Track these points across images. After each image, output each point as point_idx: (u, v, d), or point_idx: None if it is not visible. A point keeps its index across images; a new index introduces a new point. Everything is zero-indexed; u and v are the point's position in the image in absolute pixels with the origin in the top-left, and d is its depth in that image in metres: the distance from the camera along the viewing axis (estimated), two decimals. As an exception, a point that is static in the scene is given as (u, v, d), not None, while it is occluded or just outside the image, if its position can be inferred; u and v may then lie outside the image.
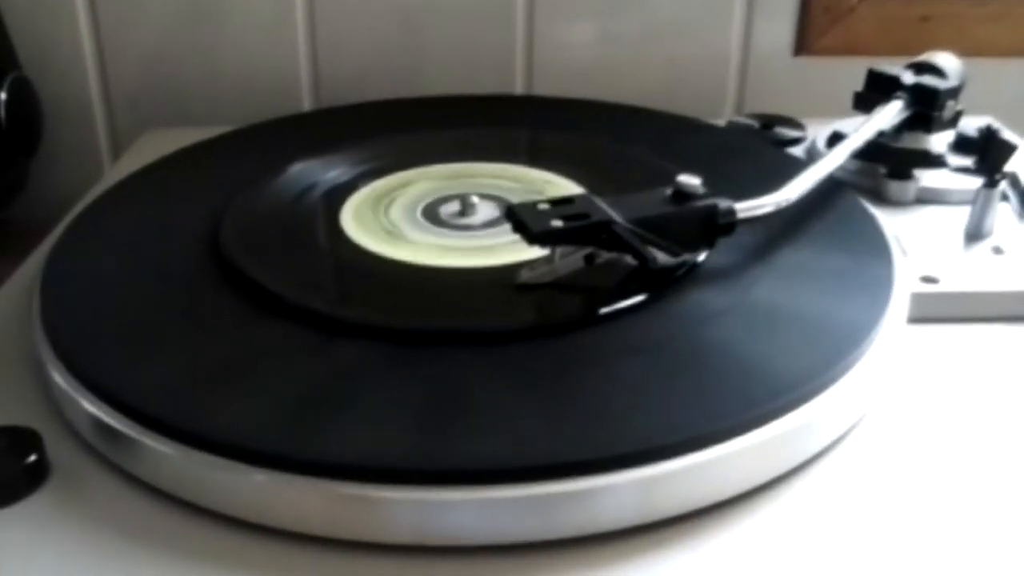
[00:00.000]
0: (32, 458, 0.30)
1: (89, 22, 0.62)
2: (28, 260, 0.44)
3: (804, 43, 0.64)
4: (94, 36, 0.62)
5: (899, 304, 0.36)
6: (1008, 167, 0.43)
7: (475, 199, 0.43)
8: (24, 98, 0.58)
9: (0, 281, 0.42)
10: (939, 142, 0.47)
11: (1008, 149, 0.43)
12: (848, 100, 0.49)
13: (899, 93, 0.47)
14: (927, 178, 0.47)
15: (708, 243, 0.37)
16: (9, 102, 0.56)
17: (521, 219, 0.35)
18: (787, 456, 0.30)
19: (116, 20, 0.62)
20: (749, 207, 0.37)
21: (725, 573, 0.27)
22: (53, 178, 0.63)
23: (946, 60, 0.49)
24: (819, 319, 0.35)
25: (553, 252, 0.36)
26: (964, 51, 0.50)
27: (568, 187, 0.45)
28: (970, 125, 0.46)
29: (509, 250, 0.39)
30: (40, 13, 0.61)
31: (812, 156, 0.50)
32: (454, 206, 0.43)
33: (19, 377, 0.35)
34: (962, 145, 0.45)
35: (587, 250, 0.36)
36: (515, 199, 0.43)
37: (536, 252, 0.36)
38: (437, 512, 0.27)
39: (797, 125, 0.54)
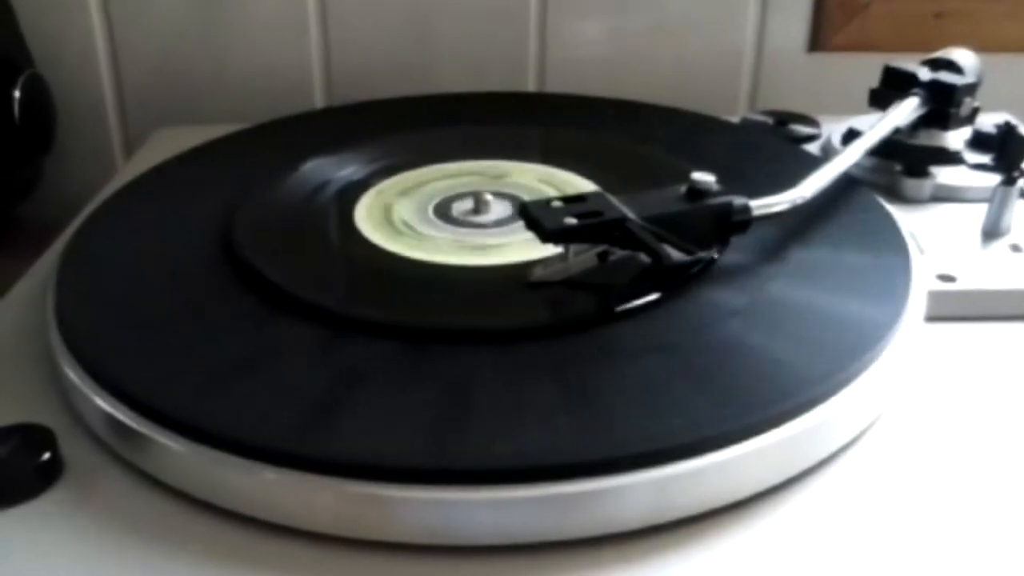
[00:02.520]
0: (46, 456, 0.30)
1: (102, 21, 0.62)
2: (42, 258, 0.44)
3: (818, 39, 0.64)
4: (107, 34, 0.62)
5: (916, 302, 0.36)
6: (1026, 164, 0.42)
7: (488, 197, 0.43)
8: (38, 96, 0.58)
9: (14, 279, 0.42)
10: (956, 139, 0.47)
11: (1026, 146, 0.42)
12: (863, 97, 0.49)
13: (915, 90, 0.47)
14: (944, 175, 0.46)
15: (722, 241, 0.37)
16: (23, 100, 0.56)
17: (534, 217, 0.35)
18: (804, 455, 0.30)
19: (128, 18, 0.62)
20: (764, 205, 0.37)
21: (740, 574, 0.27)
22: (66, 176, 0.63)
23: (963, 56, 0.49)
24: (835, 318, 0.35)
25: (567, 250, 0.36)
26: (979, 47, 0.50)
27: (581, 184, 0.45)
28: (987, 122, 0.45)
29: (522, 248, 0.39)
30: (53, 12, 0.61)
31: (827, 153, 0.50)
32: (467, 204, 0.43)
33: (33, 375, 0.35)
34: (979, 142, 0.45)
35: (601, 248, 0.36)
36: (528, 197, 0.42)
37: (550, 250, 0.36)
38: (450, 512, 0.27)
39: (812, 122, 0.54)
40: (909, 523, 0.29)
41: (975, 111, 0.47)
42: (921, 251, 0.40)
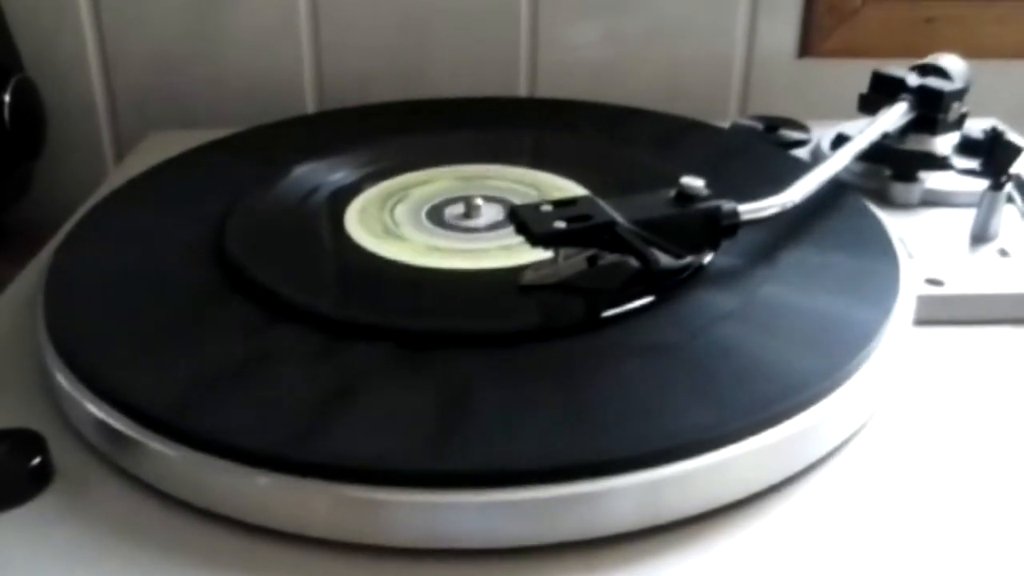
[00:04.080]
0: (36, 461, 0.30)
1: (93, 24, 0.62)
2: (32, 262, 0.44)
3: (808, 45, 0.64)
4: (98, 38, 0.62)
5: (905, 306, 0.36)
6: (1014, 169, 0.43)
7: (479, 201, 0.43)
8: (28, 100, 0.58)
9: (4, 283, 0.42)
10: (944, 144, 0.47)
11: (1014, 151, 0.43)
12: (853, 102, 0.49)
13: (904, 95, 0.47)
14: (932, 180, 0.47)
15: (711, 245, 0.37)
16: (13, 104, 0.56)
17: (524, 221, 0.35)
18: (793, 459, 0.30)
19: (120, 22, 0.62)
20: (753, 209, 0.37)
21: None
22: (57, 180, 0.63)
23: (951, 62, 0.49)
24: (824, 322, 0.35)
25: (556, 254, 0.36)
26: (969, 53, 0.50)
27: (572, 189, 0.45)
28: (975, 127, 0.46)
29: (513, 252, 0.39)
30: (44, 15, 0.61)
31: (816, 158, 0.50)
32: (458, 208, 0.43)
33: (23, 380, 0.35)
34: (967, 147, 0.45)
35: (590, 252, 0.36)
36: (519, 201, 0.43)
37: (540, 254, 0.36)
38: (442, 515, 0.27)
39: (801, 127, 0.54)
40: (899, 525, 0.29)
41: (963, 116, 0.47)
42: (910, 255, 0.41)
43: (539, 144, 0.53)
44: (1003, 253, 0.41)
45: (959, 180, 0.46)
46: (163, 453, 0.29)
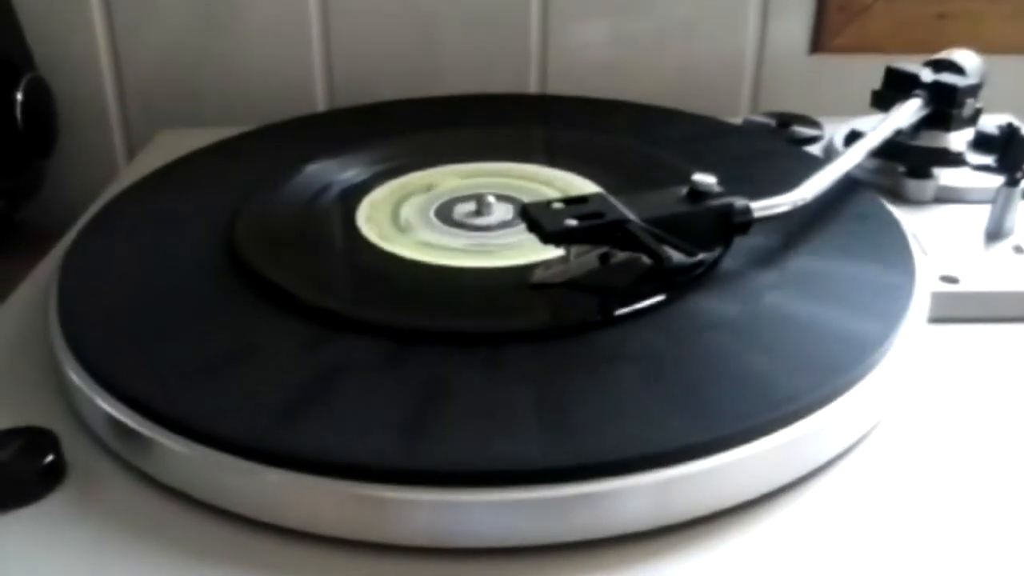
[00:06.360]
0: (49, 458, 0.30)
1: (104, 23, 0.62)
2: (44, 260, 0.44)
3: (820, 41, 0.64)
4: (109, 37, 0.62)
5: (919, 304, 0.36)
6: (1029, 165, 0.42)
7: (490, 199, 0.43)
8: (40, 99, 0.58)
9: (17, 281, 0.42)
10: (958, 140, 0.47)
11: (1029, 147, 0.42)
12: (865, 98, 0.49)
13: (917, 91, 0.47)
14: (946, 177, 0.46)
15: (724, 242, 0.37)
16: (25, 103, 0.56)
17: (535, 218, 0.35)
18: (806, 458, 0.30)
19: (131, 21, 0.62)
20: (765, 206, 0.37)
21: None
22: (69, 179, 0.63)
23: (965, 57, 0.48)
24: (838, 320, 0.35)
25: (568, 252, 0.36)
26: (981, 49, 0.50)
27: (583, 186, 0.45)
28: (990, 123, 0.45)
29: (524, 250, 0.39)
30: (55, 15, 0.61)
31: (829, 155, 0.50)
32: (469, 206, 0.43)
33: (36, 377, 0.35)
34: (982, 143, 0.45)
35: (602, 249, 0.36)
36: (530, 199, 0.42)
37: (551, 252, 0.36)
38: (452, 513, 0.27)
39: (814, 123, 0.54)
40: (912, 523, 0.29)
41: (978, 112, 0.47)
42: (924, 252, 0.40)
43: (550, 141, 0.53)
44: (1018, 250, 0.41)
45: (974, 176, 0.45)
46: (175, 450, 0.29)
